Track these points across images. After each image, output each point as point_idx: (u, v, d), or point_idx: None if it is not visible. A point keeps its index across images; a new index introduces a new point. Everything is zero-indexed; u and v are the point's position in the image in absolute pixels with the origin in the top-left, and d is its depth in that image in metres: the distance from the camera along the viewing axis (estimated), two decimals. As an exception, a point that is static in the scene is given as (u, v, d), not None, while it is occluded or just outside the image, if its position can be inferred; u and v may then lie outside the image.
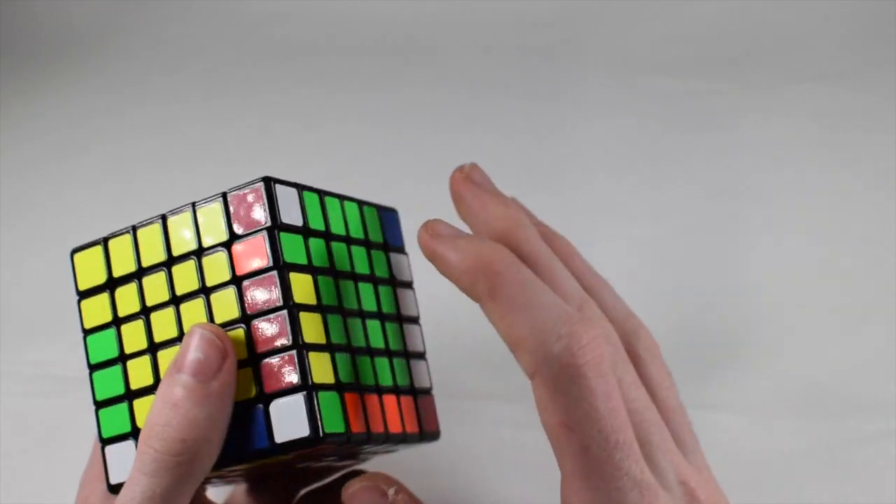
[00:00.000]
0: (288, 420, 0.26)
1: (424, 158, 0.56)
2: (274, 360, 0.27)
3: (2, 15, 0.68)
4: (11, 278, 0.52)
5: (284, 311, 0.27)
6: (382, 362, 0.31)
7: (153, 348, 0.29)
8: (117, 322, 0.30)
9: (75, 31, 0.67)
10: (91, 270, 0.31)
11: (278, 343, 0.27)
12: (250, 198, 0.28)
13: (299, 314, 0.27)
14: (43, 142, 0.61)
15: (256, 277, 0.27)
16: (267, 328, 0.27)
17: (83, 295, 0.32)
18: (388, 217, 0.34)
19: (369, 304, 0.31)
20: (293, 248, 0.28)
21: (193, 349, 0.26)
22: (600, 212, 0.53)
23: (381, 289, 0.32)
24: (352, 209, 0.32)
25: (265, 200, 0.28)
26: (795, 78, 0.60)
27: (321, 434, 0.26)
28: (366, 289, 0.31)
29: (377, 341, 0.31)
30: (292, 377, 0.26)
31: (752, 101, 0.59)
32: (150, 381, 0.29)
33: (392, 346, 0.32)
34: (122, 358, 0.30)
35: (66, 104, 0.63)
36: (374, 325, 0.31)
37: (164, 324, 0.29)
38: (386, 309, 0.32)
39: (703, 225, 0.52)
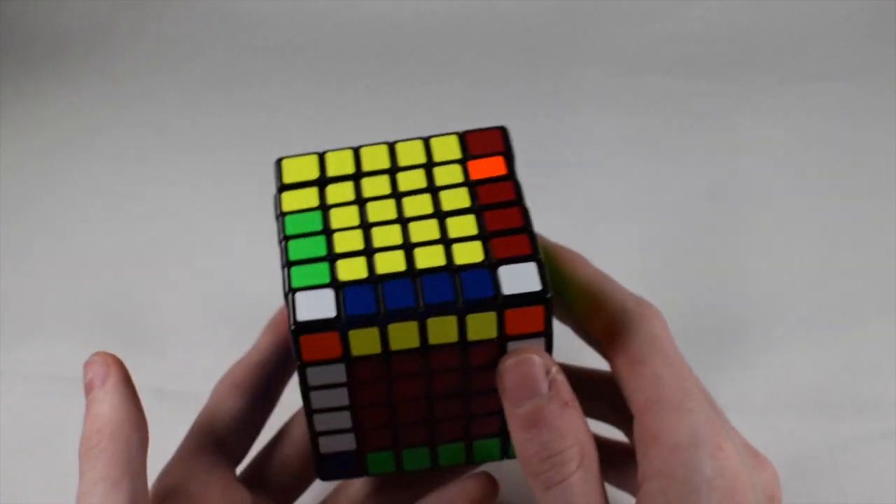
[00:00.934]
0: (517, 279, 0.27)
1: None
2: (506, 238, 0.28)
3: (2, 15, 0.68)
4: (11, 278, 0.52)
5: (518, 206, 0.29)
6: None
7: (366, 226, 0.29)
8: (325, 208, 0.30)
9: (75, 31, 0.67)
10: (300, 171, 0.31)
11: (512, 226, 0.29)
12: (486, 137, 0.31)
13: (527, 210, 0.29)
14: (43, 141, 0.61)
15: (491, 183, 0.30)
16: (499, 215, 0.29)
17: (286, 188, 0.31)
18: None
19: None
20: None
21: (86, 375, 0.31)
22: (600, 211, 0.53)
23: None
24: None
25: (502, 138, 0.31)
26: (795, 78, 0.60)
27: (548, 293, 0.27)
28: None
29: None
30: (525, 248, 0.28)
31: (752, 101, 0.59)
32: (360, 246, 0.28)
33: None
34: (328, 231, 0.29)
35: (66, 104, 0.63)
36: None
37: (382, 210, 0.29)
38: None
39: (702, 224, 0.52)
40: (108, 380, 0.30)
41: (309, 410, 0.30)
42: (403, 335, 0.27)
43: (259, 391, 0.34)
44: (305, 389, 0.29)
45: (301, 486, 0.35)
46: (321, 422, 0.30)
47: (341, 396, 0.29)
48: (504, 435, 0.32)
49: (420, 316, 0.27)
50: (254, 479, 0.34)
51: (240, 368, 0.34)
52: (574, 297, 0.31)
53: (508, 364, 0.27)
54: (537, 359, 0.27)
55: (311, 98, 0.62)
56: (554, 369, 0.27)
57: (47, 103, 0.63)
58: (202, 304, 0.50)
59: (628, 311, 0.29)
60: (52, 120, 0.62)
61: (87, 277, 0.52)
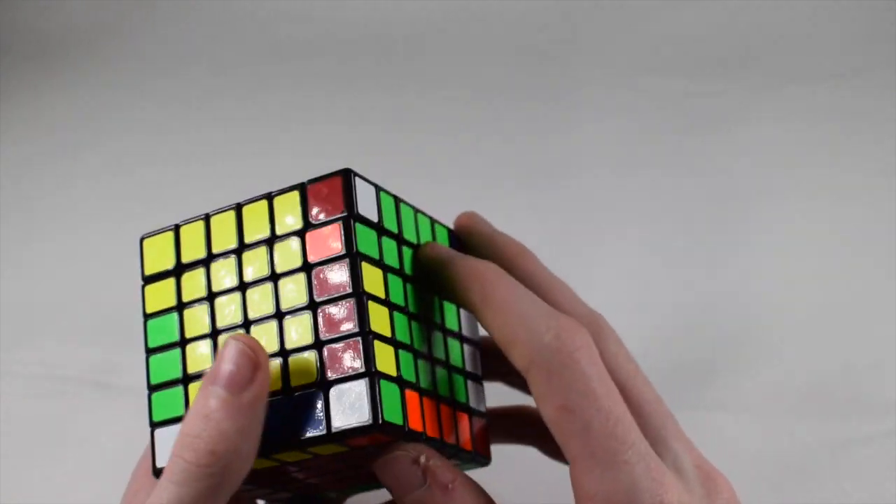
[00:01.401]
0: (348, 406, 0.26)
1: (425, 158, 0.56)
2: (338, 346, 0.27)
3: (2, 15, 0.68)
4: (11, 278, 0.52)
5: (353, 298, 0.27)
6: (443, 372, 0.31)
7: (214, 334, 0.29)
8: (180, 307, 0.30)
9: (75, 31, 0.67)
10: (159, 256, 0.31)
11: (344, 328, 0.27)
12: (328, 188, 0.29)
13: (368, 302, 0.27)
14: (43, 141, 0.61)
15: (328, 264, 0.28)
16: (334, 313, 0.27)
17: (148, 280, 0.31)
18: (455, 241, 0.34)
19: (435, 315, 0.31)
20: (367, 241, 0.28)
21: (227, 361, 0.26)
22: (600, 212, 0.53)
23: (446, 304, 0.32)
24: (424, 222, 0.32)
25: (343, 191, 0.28)
26: (795, 78, 0.60)
27: (381, 421, 0.26)
28: (431, 299, 0.31)
29: (439, 351, 0.31)
30: (356, 363, 0.27)
31: (752, 102, 0.59)
32: (207, 365, 0.29)
33: (453, 361, 0.32)
34: (182, 342, 0.29)
35: (66, 104, 0.63)
36: (437, 336, 0.31)
37: (227, 309, 0.29)
38: (449, 324, 0.32)
39: (703, 225, 0.52)
40: (253, 387, 0.26)
41: None
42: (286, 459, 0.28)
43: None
44: None
45: None
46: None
47: None
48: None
49: (276, 450, 0.28)
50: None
51: None
52: (490, 331, 0.28)
53: (378, 465, 0.27)
54: (400, 454, 0.27)
55: (311, 99, 0.62)
56: (423, 458, 0.27)
57: (47, 104, 0.63)
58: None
59: (545, 348, 0.26)
60: (51, 120, 0.62)
61: (87, 277, 0.52)
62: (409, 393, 0.28)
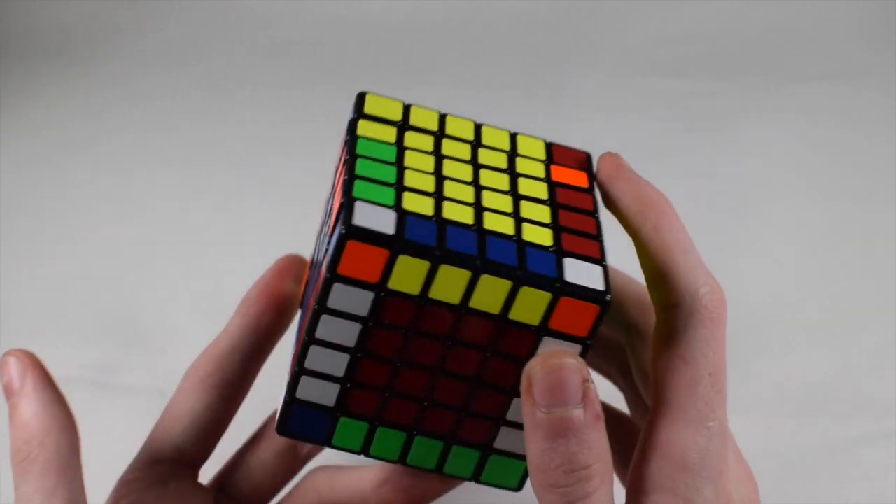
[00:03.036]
0: (581, 273, 0.27)
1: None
2: (578, 238, 0.28)
3: (2, 15, 0.68)
4: (12, 278, 0.52)
5: (594, 218, 0.29)
6: None
7: (441, 177, 0.28)
8: (401, 147, 0.29)
9: (75, 31, 0.67)
10: (382, 108, 0.30)
11: (585, 230, 0.28)
12: (572, 153, 0.31)
13: (601, 226, 0.29)
14: (43, 141, 0.61)
15: (571, 190, 0.30)
16: (574, 218, 0.29)
17: (365, 117, 0.30)
18: None
19: None
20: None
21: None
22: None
23: None
24: None
25: (587, 159, 0.31)
26: (795, 78, 0.60)
27: (608, 297, 0.26)
28: None
29: None
30: (594, 252, 0.28)
31: (752, 101, 0.59)
32: (431, 188, 0.28)
33: None
34: (400, 166, 0.28)
35: (66, 104, 0.63)
36: None
37: (458, 170, 0.29)
38: None
39: (702, 225, 0.52)
40: (27, 382, 0.29)
41: (307, 340, 0.27)
42: (450, 284, 0.26)
43: (227, 383, 0.32)
44: (320, 309, 0.27)
45: (277, 489, 0.34)
46: (315, 358, 0.28)
47: (351, 333, 0.27)
48: (485, 453, 0.30)
49: (477, 268, 0.26)
50: (227, 483, 0.34)
51: (207, 359, 0.33)
52: (646, 255, 0.29)
53: (540, 364, 0.25)
54: (574, 363, 0.25)
55: (312, 99, 0.62)
56: (589, 379, 0.26)
57: (47, 104, 0.63)
58: (202, 305, 0.50)
59: (698, 301, 0.27)
60: (51, 120, 0.62)
61: (88, 277, 0.52)
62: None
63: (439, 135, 0.30)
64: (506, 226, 0.27)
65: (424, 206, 0.27)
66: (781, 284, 0.49)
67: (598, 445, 0.25)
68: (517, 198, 0.28)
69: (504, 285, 0.26)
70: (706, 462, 0.26)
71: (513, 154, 0.30)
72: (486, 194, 0.28)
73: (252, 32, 0.66)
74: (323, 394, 0.29)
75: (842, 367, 0.45)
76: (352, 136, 0.29)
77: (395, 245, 0.25)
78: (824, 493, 0.40)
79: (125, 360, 0.48)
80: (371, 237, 0.25)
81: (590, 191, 0.30)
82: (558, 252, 0.27)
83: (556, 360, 0.25)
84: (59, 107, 0.63)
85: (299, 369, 0.28)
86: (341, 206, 0.26)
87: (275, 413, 0.32)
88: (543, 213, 0.28)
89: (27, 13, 0.68)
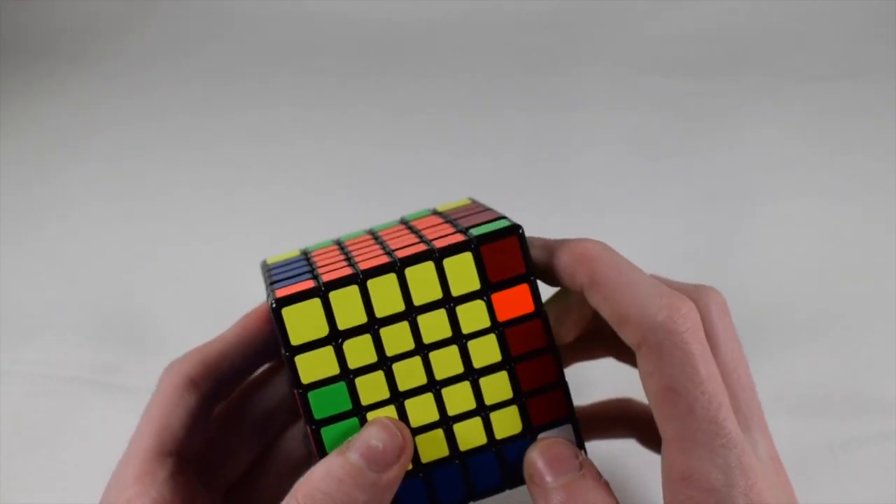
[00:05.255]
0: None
1: (425, 158, 0.56)
2: (541, 398, 0.29)
3: (2, 15, 0.68)
4: (11, 278, 0.52)
5: (551, 353, 0.29)
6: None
7: (397, 397, 0.29)
8: (347, 375, 0.29)
9: (75, 31, 0.67)
10: (307, 324, 0.29)
11: (546, 381, 0.29)
12: (504, 247, 0.29)
13: (559, 355, 0.29)
14: (43, 142, 0.61)
15: (520, 324, 0.29)
16: (534, 369, 0.29)
17: (297, 350, 0.29)
18: None
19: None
20: (539, 295, 0.30)
21: (374, 437, 0.27)
22: (600, 211, 0.53)
23: None
24: None
25: (522, 250, 0.29)
26: (795, 78, 0.60)
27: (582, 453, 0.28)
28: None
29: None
30: (562, 410, 0.29)
31: (752, 101, 0.59)
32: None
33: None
34: (358, 410, 0.29)
35: (66, 103, 0.63)
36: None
37: (409, 372, 0.29)
38: None
39: (703, 224, 0.52)
40: (391, 469, 0.27)
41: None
42: None
43: (216, 393, 0.32)
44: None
45: None
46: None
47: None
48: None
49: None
50: (243, 495, 0.34)
51: (196, 363, 0.33)
52: (600, 307, 0.29)
53: (539, 448, 0.28)
54: (566, 441, 0.29)
55: (312, 97, 0.62)
56: (582, 454, 0.28)
57: (47, 103, 0.63)
58: (202, 304, 0.50)
59: (659, 330, 0.27)
60: (51, 120, 0.62)
61: (87, 277, 0.52)
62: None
63: (373, 324, 0.29)
64: (477, 434, 0.29)
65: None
66: (781, 284, 0.49)
67: None
68: (475, 377, 0.29)
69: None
70: (731, 479, 0.26)
71: (449, 301, 0.29)
72: (447, 396, 0.29)
73: (253, 33, 0.66)
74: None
75: (842, 368, 0.45)
76: (299, 388, 0.29)
77: None
78: (824, 493, 0.40)
79: (125, 360, 0.48)
80: None
81: (536, 314, 0.29)
82: (531, 432, 0.29)
83: (548, 441, 0.28)
84: (58, 106, 0.63)
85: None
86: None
87: (291, 432, 0.34)
88: (503, 386, 0.29)
89: (27, 13, 0.68)
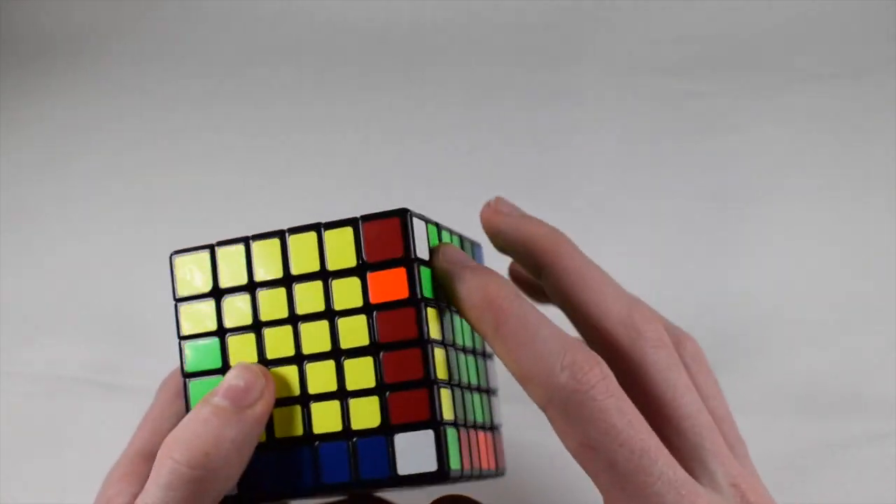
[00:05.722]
0: (413, 454, 0.26)
1: (424, 160, 0.56)
2: (403, 393, 0.27)
3: (2, 15, 0.68)
4: (11, 278, 0.52)
5: (420, 347, 0.27)
6: (477, 399, 0.31)
7: (264, 363, 0.29)
8: (222, 332, 0.29)
9: (75, 31, 0.67)
10: (193, 276, 0.30)
11: (411, 377, 0.27)
12: (384, 228, 0.28)
13: (434, 350, 0.27)
14: (43, 142, 0.61)
15: (392, 309, 0.27)
16: (399, 361, 0.27)
17: (182, 300, 0.30)
18: (477, 252, 0.34)
19: (468, 340, 0.31)
20: (426, 282, 0.28)
21: (235, 377, 0.27)
22: (600, 213, 0.53)
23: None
24: (456, 242, 0.32)
25: (403, 232, 0.28)
26: (795, 78, 0.59)
27: (447, 470, 0.26)
28: (462, 323, 0.31)
29: (473, 377, 0.31)
30: (423, 412, 0.27)
31: (752, 102, 0.59)
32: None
33: (482, 383, 0.32)
34: (225, 370, 0.29)
35: (67, 104, 0.63)
36: (471, 361, 0.31)
37: (277, 341, 0.29)
38: (477, 345, 0.32)
39: (703, 226, 0.52)
40: (258, 405, 0.27)
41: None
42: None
43: None
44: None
45: None
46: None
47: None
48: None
49: (316, 494, 0.28)
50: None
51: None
52: (503, 358, 0.28)
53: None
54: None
55: (312, 98, 0.62)
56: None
57: (47, 103, 0.63)
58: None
59: (561, 388, 0.26)
60: (51, 120, 0.62)
61: (87, 277, 0.52)
62: (461, 433, 0.28)
63: (251, 285, 0.29)
64: (334, 419, 0.27)
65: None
66: (781, 284, 0.49)
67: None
68: (339, 356, 0.28)
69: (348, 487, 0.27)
70: None
71: (325, 275, 0.28)
72: (310, 372, 0.28)
73: (253, 33, 0.66)
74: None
75: (842, 367, 0.45)
76: (179, 336, 0.30)
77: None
78: (824, 493, 0.40)
79: (125, 360, 0.48)
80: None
81: (410, 302, 0.27)
82: (388, 431, 0.27)
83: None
84: (58, 106, 0.63)
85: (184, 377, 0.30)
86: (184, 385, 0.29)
87: None
88: (367, 372, 0.27)
89: (27, 13, 0.68)
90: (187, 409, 0.29)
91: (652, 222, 0.52)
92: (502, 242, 0.30)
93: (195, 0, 0.67)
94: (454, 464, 0.27)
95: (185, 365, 0.29)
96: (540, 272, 0.29)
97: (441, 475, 0.26)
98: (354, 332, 0.28)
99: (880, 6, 0.63)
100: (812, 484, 0.41)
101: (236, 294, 0.29)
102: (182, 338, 0.30)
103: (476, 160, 0.57)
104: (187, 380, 0.29)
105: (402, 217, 0.28)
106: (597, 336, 0.28)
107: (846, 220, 0.52)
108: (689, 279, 0.49)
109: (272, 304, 0.29)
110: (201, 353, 0.29)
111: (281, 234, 0.29)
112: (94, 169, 0.59)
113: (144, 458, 0.31)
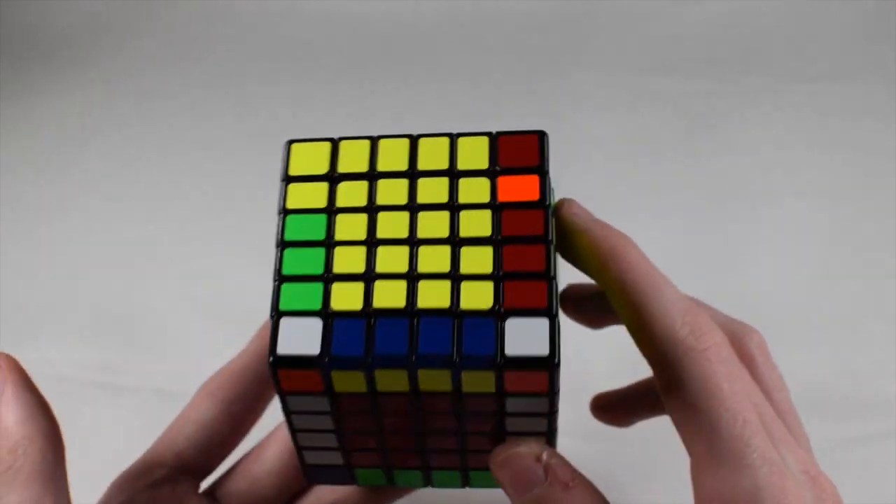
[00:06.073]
0: (524, 338, 0.26)
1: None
2: (521, 283, 0.26)
3: (2, 15, 0.68)
4: (11, 278, 0.52)
5: (544, 243, 0.27)
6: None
7: (373, 242, 0.27)
8: (331, 211, 0.28)
9: (75, 31, 0.67)
10: (309, 159, 0.29)
11: (532, 268, 0.27)
12: (522, 141, 0.29)
13: (554, 250, 0.27)
14: (43, 141, 0.61)
15: (520, 209, 0.27)
16: (521, 253, 0.27)
17: (292, 180, 0.29)
18: None
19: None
20: (550, 192, 0.29)
21: None
22: (600, 212, 0.53)
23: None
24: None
25: (540, 146, 0.29)
26: (795, 78, 0.60)
27: (557, 359, 0.25)
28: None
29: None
30: (542, 301, 0.26)
31: (751, 102, 0.59)
32: (361, 268, 0.27)
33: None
34: (330, 244, 0.27)
35: (65, 104, 0.63)
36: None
37: (392, 223, 0.27)
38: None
39: (703, 225, 0.52)
40: (7, 388, 0.28)
41: (292, 429, 0.29)
42: (391, 380, 0.26)
43: (235, 399, 0.33)
44: (287, 412, 0.28)
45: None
46: (305, 439, 0.29)
47: (325, 421, 0.28)
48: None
49: (410, 366, 0.26)
50: (220, 493, 0.34)
51: (218, 375, 0.33)
52: (619, 308, 0.28)
53: (498, 463, 0.27)
54: (524, 449, 0.27)
55: (312, 98, 0.62)
56: (545, 455, 0.27)
57: (46, 103, 0.63)
58: (202, 304, 0.50)
59: (679, 345, 0.26)
60: (51, 120, 0.62)
61: (87, 277, 0.52)
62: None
63: (372, 175, 0.28)
64: (441, 297, 0.26)
65: (353, 299, 0.26)
66: (781, 284, 0.49)
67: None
68: (457, 245, 0.27)
69: (444, 374, 0.26)
70: (760, 499, 0.25)
71: (453, 174, 0.28)
72: (422, 253, 0.27)
73: (252, 31, 0.66)
74: (330, 457, 0.30)
75: (843, 367, 0.45)
76: (282, 209, 0.28)
77: (323, 364, 0.26)
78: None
79: (125, 360, 0.48)
80: (298, 362, 0.26)
81: (540, 203, 0.27)
82: (498, 315, 0.26)
83: (506, 455, 0.27)
84: (59, 106, 0.63)
85: (296, 446, 0.29)
86: (271, 316, 0.26)
87: (275, 433, 0.34)
88: (485, 260, 0.27)
89: (27, 13, 0.68)
90: (277, 276, 0.27)
91: (652, 222, 0.52)
92: (570, 240, 0.30)
93: (195, 0, 0.68)
94: (559, 359, 0.26)
95: (282, 235, 0.28)
96: (603, 270, 0.29)
97: (550, 361, 0.25)
98: (477, 223, 0.27)
99: (880, 6, 0.63)
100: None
101: (353, 181, 0.28)
102: (284, 211, 0.28)
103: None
104: (283, 249, 0.28)
105: (540, 134, 0.29)
106: (656, 332, 0.27)
107: (847, 219, 0.52)
108: (689, 278, 0.49)
109: (391, 191, 0.28)
110: (303, 224, 0.28)
111: (411, 137, 0.29)
112: (95, 169, 0.59)
113: (146, 468, 0.32)
